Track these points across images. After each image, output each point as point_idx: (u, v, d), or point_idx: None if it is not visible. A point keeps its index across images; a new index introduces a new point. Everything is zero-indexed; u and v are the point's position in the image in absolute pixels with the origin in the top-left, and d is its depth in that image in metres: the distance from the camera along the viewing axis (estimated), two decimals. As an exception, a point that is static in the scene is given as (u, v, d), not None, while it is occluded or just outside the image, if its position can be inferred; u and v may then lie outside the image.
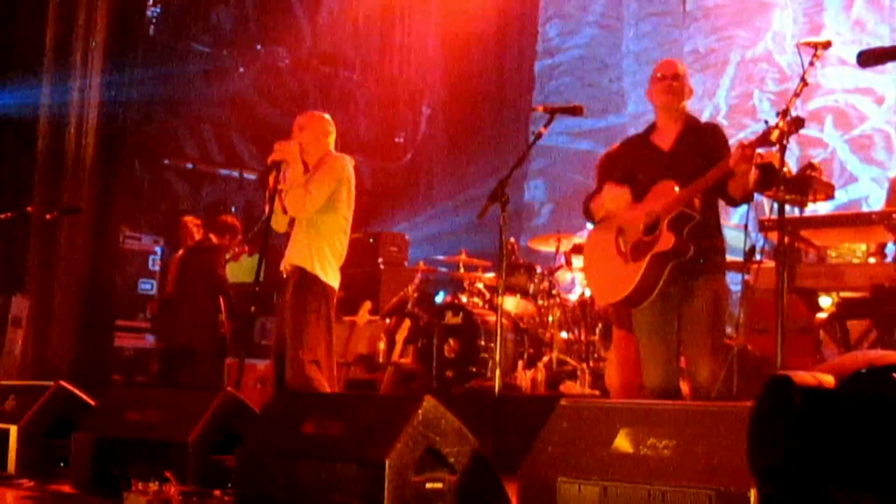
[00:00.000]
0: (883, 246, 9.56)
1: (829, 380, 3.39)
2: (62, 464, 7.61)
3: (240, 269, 12.95)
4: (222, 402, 6.98)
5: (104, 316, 13.90)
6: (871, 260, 9.25)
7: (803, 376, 3.38)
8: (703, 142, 7.09)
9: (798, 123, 6.61)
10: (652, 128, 7.38)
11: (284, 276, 8.25)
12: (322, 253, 8.19)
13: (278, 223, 8.34)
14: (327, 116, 8.62)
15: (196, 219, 13.15)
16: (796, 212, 8.05)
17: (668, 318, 7.02)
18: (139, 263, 14.97)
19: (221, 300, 11.68)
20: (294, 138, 8.30)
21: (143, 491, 6.15)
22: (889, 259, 9.12)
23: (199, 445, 6.70)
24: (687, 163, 6.97)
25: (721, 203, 7.08)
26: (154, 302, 14.27)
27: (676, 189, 6.85)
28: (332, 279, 8.23)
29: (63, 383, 8.26)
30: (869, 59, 3.30)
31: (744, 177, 6.71)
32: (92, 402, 8.00)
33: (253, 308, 8.23)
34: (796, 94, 6.89)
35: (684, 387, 7.70)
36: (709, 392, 6.75)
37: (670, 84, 7.23)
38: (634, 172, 7.27)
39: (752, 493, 4.52)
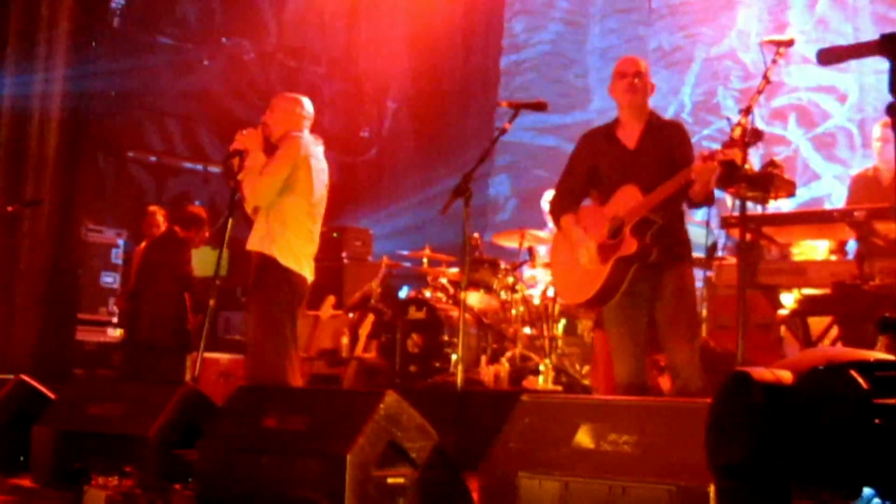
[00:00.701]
0: (844, 243, 9.62)
1: (787, 376, 3.40)
2: (22, 457, 7.57)
3: (203, 262, 12.90)
4: (183, 396, 6.96)
5: (66, 309, 13.84)
6: (833, 257, 9.31)
7: (762, 372, 3.40)
8: (666, 140, 7.14)
9: (757, 135, 6.68)
10: (616, 123, 7.41)
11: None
12: (283, 237, 7.99)
13: (248, 207, 8.22)
14: (302, 98, 8.47)
15: (163, 209, 13.10)
16: (758, 209, 8.07)
17: (637, 315, 7.08)
18: (102, 256, 14.87)
19: (187, 295, 11.63)
20: (265, 119, 8.24)
21: (104, 485, 6.13)
22: (850, 256, 9.16)
23: (160, 439, 6.68)
24: (651, 161, 7.04)
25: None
26: (120, 296, 14.19)
27: (639, 195, 6.90)
28: (295, 264, 8.02)
29: (24, 377, 8.21)
30: (829, 57, 3.30)
31: (705, 185, 6.76)
32: (53, 396, 7.96)
33: (212, 301, 8.12)
34: (759, 92, 6.95)
35: (665, 382, 7.77)
36: (689, 381, 6.79)
37: (631, 82, 7.26)
38: (599, 167, 7.34)
39: (712, 489, 4.55)
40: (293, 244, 8.01)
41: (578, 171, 7.47)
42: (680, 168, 6.80)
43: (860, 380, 3.25)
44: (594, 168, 7.36)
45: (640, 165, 7.05)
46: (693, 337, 6.99)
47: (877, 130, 9.81)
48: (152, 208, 13.06)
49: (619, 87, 7.32)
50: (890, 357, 3.27)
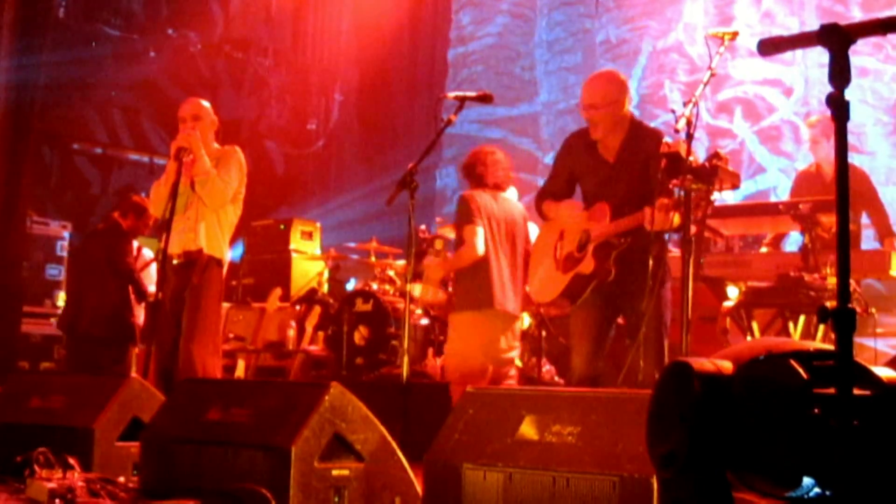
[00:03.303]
0: (780, 237, 9.73)
1: (727, 366, 3.42)
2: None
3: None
4: (128, 388, 6.94)
5: (11, 302, 13.75)
6: (763, 250, 9.42)
7: (702, 363, 3.41)
8: (644, 151, 7.24)
9: (717, 158, 6.89)
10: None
11: (177, 261, 8.34)
12: (224, 240, 8.50)
13: (159, 206, 8.43)
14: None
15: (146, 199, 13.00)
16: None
17: (605, 318, 7.33)
18: (46, 249, 14.79)
19: (131, 287, 11.54)
20: (192, 126, 8.45)
21: (47, 477, 6.09)
22: (796, 249, 9.24)
23: (105, 432, 6.66)
24: (630, 174, 7.27)
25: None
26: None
27: (608, 216, 7.18)
28: (224, 265, 8.56)
29: (-35, 370, 8.17)
30: (769, 47, 3.31)
31: (661, 226, 6.96)
32: (-4, 389, 7.92)
33: (160, 294, 8.23)
34: (704, 84, 7.00)
35: None
36: None
37: (590, 115, 7.45)
38: (580, 177, 7.64)
39: (655, 480, 4.56)
40: (225, 247, 8.56)
41: (560, 176, 7.79)
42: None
43: (799, 369, 3.27)
44: (577, 178, 7.67)
45: (618, 180, 7.30)
46: (656, 362, 7.11)
47: (805, 132, 9.95)
48: (136, 198, 12.96)
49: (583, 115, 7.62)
50: (829, 347, 3.29)
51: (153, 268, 11.48)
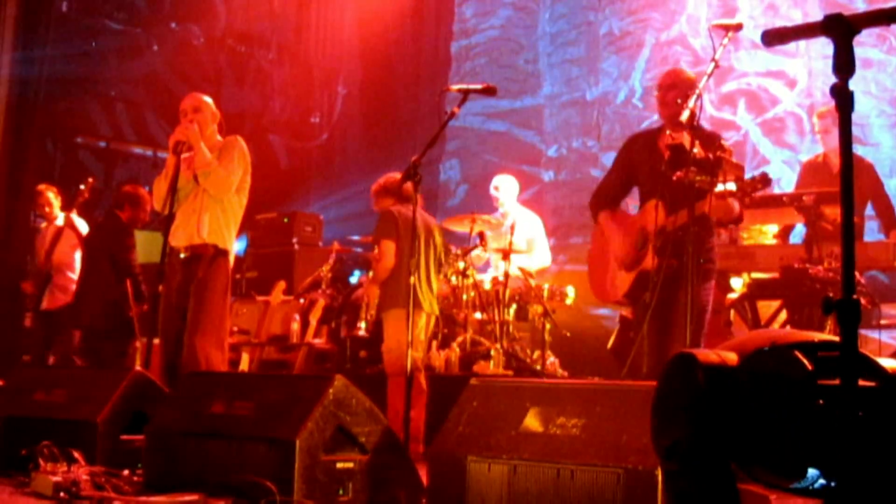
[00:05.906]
0: (789, 229, 9.72)
1: (732, 357, 3.42)
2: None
3: (146, 248, 12.78)
4: (132, 382, 6.94)
5: (14, 296, 13.74)
6: (771, 241, 9.41)
7: (707, 354, 3.41)
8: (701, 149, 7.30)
9: (765, 181, 6.98)
10: (660, 130, 7.86)
11: (183, 255, 8.36)
12: (228, 231, 8.51)
13: (160, 201, 8.47)
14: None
15: (51, 186, 12.96)
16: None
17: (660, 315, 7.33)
18: (50, 243, 14.76)
19: (129, 282, 11.52)
20: (191, 119, 8.48)
21: (51, 471, 6.09)
22: (800, 241, 9.23)
23: (109, 425, 6.66)
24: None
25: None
26: (31, 277, 14.00)
27: (663, 213, 7.25)
28: (231, 256, 8.58)
29: (-29, 363, 8.17)
30: (773, 37, 3.31)
31: (724, 215, 7.35)
32: (1, 383, 7.91)
33: (161, 288, 8.25)
34: (709, 75, 7.01)
35: None
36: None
37: (662, 96, 7.82)
38: (638, 170, 7.86)
39: (660, 472, 4.56)
40: (231, 238, 8.58)
41: (616, 177, 8.07)
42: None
43: (804, 361, 3.27)
44: (632, 174, 7.93)
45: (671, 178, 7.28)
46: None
47: (816, 123, 9.95)
48: (40, 187, 12.94)
49: (656, 101, 7.93)
50: (834, 338, 3.29)
51: None
